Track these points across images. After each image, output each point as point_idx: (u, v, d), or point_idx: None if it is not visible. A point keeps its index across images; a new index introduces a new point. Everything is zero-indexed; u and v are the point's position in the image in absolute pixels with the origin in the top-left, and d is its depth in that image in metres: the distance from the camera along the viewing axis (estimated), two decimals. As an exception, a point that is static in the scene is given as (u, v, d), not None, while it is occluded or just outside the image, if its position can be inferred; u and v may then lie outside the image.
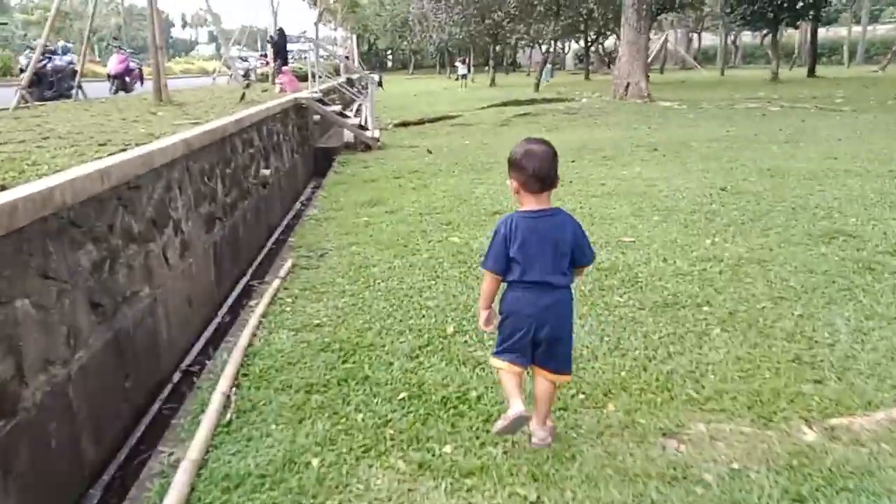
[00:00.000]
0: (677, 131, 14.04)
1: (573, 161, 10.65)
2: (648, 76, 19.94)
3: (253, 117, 8.70)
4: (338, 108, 14.79)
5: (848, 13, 54.86)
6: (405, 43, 75.13)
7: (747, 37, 59.63)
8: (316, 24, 40.57)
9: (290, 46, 20.39)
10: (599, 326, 4.01)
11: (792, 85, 26.94)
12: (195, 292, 5.50)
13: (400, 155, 12.62)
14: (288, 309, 4.55)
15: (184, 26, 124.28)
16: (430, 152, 12.60)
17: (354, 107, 20.66)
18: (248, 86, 13.09)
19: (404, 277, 5.08)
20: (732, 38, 56.32)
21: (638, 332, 3.91)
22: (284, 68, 18.43)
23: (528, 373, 2.84)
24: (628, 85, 19.59)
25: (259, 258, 7.82)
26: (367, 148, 13.83)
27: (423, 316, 4.27)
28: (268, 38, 19.58)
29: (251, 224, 7.86)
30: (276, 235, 9.29)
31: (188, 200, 5.64)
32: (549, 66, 44.38)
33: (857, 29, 56.37)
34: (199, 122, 7.48)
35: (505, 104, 21.10)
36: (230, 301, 6.33)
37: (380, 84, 32.22)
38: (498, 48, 43.74)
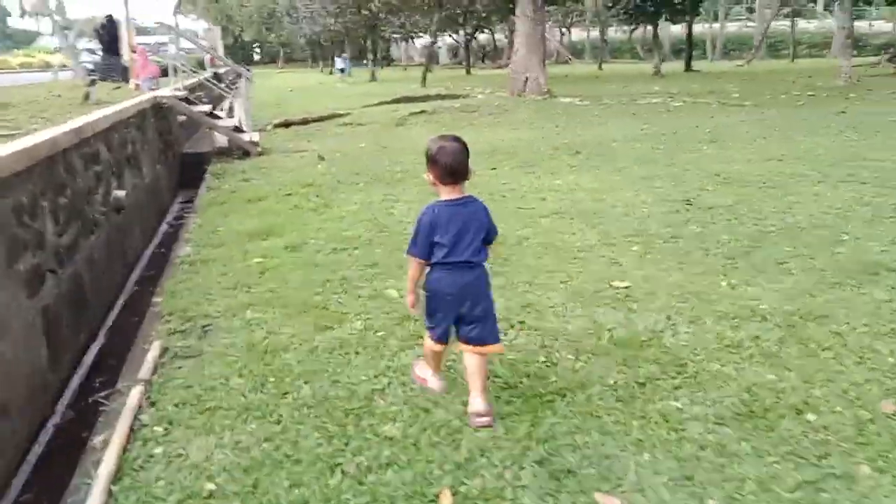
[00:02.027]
0: (590, 130, 13.00)
1: (493, 169, 9.25)
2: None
3: (98, 124, 6.65)
4: (207, 107, 12.62)
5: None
6: (273, 35, 71.59)
7: (613, 32, 61.10)
8: (175, 13, 37.18)
9: (145, 39, 17.56)
10: (681, 472, 2.52)
11: (677, 79, 27.07)
12: (13, 393, 3.58)
13: (286, 163, 10.72)
14: (157, 453, 2.76)
15: (22, 15, 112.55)
16: (323, 158, 10.80)
17: (225, 105, 18.34)
18: (92, 83, 10.72)
19: (337, 371, 3.40)
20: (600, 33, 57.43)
21: (749, 483, 2.45)
22: (139, 47, 15.87)
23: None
24: (527, 80, 18.47)
25: (115, 311, 5.84)
26: (246, 154, 11.81)
27: (387, 465, 2.61)
28: (95, 27, 16.57)
29: (101, 267, 5.85)
30: (137, 273, 7.27)
31: (-11, 260, 3.70)
32: (346, 59, 41.93)
33: (707, 26, 59.23)
34: (14, 134, 5.39)
35: (397, 101, 19.41)
36: (74, 385, 4.41)
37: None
38: (372, 41, 41.86)
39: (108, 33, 16.61)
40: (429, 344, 3.03)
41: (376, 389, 3.18)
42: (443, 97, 19.77)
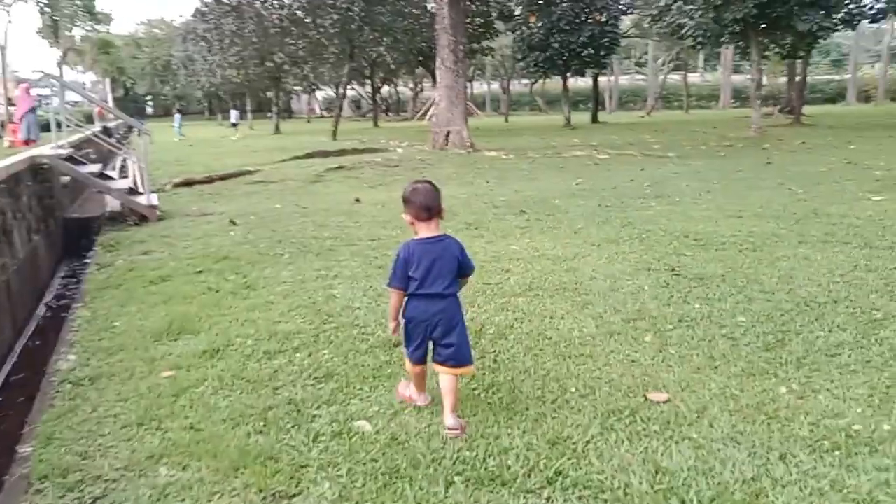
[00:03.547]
0: (524, 186, 12.27)
1: (435, 231, 8.21)
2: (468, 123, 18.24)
3: (-53, 196, 5.18)
4: (95, 167, 11.03)
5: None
6: (168, 87, 68.91)
7: (514, 85, 62.40)
8: (59, 64, 34.68)
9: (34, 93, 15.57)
10: None
11: (588, 130, 27.26)
12: None
13: (192, 230, 9.30)
14: None
15: None
16: (235, 223, 9.47)
17: (117, 163, 16.57)
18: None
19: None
20: (504, 85, 58.45)
21: None
22: (22, 84, 13.99)
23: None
24: (448, 133, 17.71)
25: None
26: (143, 219, 10.29)
27: None
28: None
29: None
30: (1, 379, 5.73)
31: None
32: (178, 116, 40.50)
33: (604, 79, 61.61)
34: None
35: (310, 155, 18.16)
36: None
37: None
38: (276, 93, 40.50)
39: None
40: (409, 367, 3.36)
41: None
42: (359, 151, 18.74)
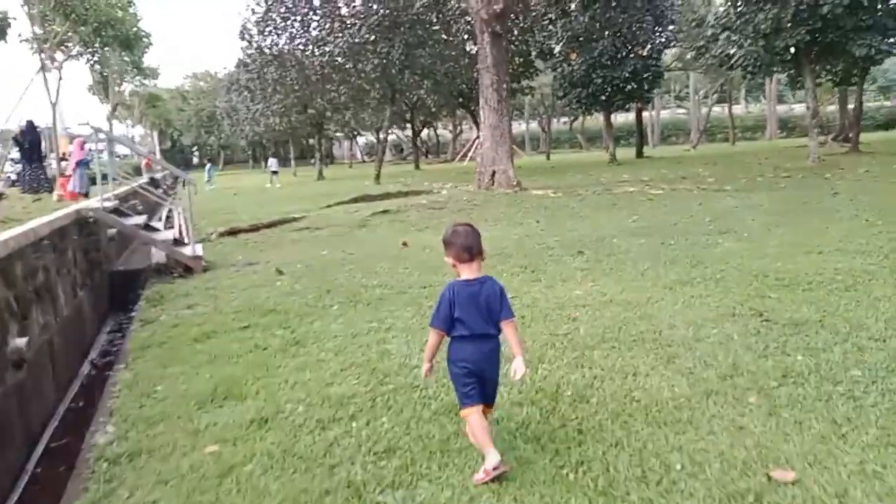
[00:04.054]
0: (576, 224, 11.76)
1: (490, 277, 7.75)
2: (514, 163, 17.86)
3: (-15, 254, 4.95)
4: (141, 219, 10.93)
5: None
6: (212, 137, 70.60)
7: (553, 123, 62.24)
8: (109, 119, 35.67)
9: (88, 147, 15.75)
10: None
11: (635, 166, 26.66)
12: None
13: (238, 281, 9.02)
14: None
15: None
16: (281, 273, 9.16)
17: (163, 213, 16.59)
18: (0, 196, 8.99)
19: None
20: (543, 124, 58.35)
21: None
22: (77, 138, 14.14)
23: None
24: (494, 173, 17.35)
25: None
26: (188, 271, 10.07)
27: None
28: (14, 135, 14.78)
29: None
30: (42, 446, 5.43)
31: None
32: (209, 165, 41.19)
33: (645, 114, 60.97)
34: None
35: (355, 200, 17.99)
36: None
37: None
38: (314, 140, 40.90)
39: (28, 141, 14.85)
40: (468, 412, 3.21)
41: None
42: (404, 194, 18.49)
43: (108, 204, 10.26)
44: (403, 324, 6.02)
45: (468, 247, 3.24)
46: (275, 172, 36.90)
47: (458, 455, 3.38)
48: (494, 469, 3.05)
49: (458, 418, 3.82)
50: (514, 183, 17.15)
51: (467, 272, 3.26)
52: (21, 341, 5.49)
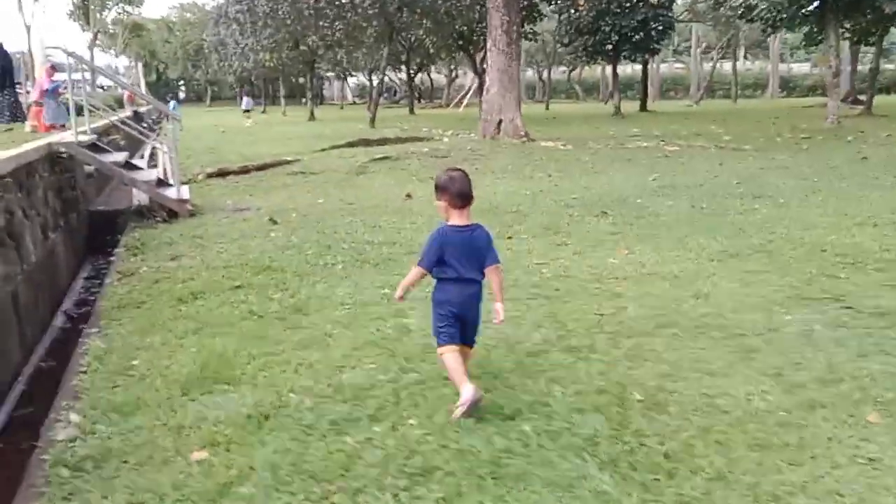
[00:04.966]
0: (592, 181, 10.95)
1: (508, 237, 7.01)
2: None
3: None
4: (121, 155, 9.95)
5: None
6: (200, 72, 68.23)
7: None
8: (90, 47, 33.93)
9: (59, 76, 14.43)
10: None
11: (641, 119, 25.71)
12: None
13: (228, 229, 8.18)
14: None
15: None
16: (276, 222, 8.33)
17: (146, 151, 15.56)
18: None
19: None
20: (541, 72, 56.76)
21: None
22: (46, 64, 12.95)
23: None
24: (500, 122, 16.35)
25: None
26: (172, 215, 9.20)
27: None
28: None
29: None
30: (4, 415, 4.70)
31: None
32: (249, 99, 41.82)
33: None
34: None
35: (352, 144, 16.97)
36: None
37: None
38: (306, 79, 39.29)
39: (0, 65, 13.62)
40: (445, 350, 3.29)
41: None
42: (403, 140, 17.48)
43: (83, 138, 9.28)
44: (421, 292, 5.23)
45: (463, 193, 3.26)
46: (247, 111, 36.00)
47: (513, 483, 2.65)
48: (472, 402, 3.11)
49: (506, 427, 3.08)
50: (522, 133, 16.17)
51: (458, 218, 3.28)
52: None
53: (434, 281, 3.36)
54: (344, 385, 3.59)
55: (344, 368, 3.83)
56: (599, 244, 6.71)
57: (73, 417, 3.42)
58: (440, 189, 3.32)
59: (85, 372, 4.05)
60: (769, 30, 22.68)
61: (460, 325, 3.30)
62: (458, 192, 3.26)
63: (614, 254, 6.28)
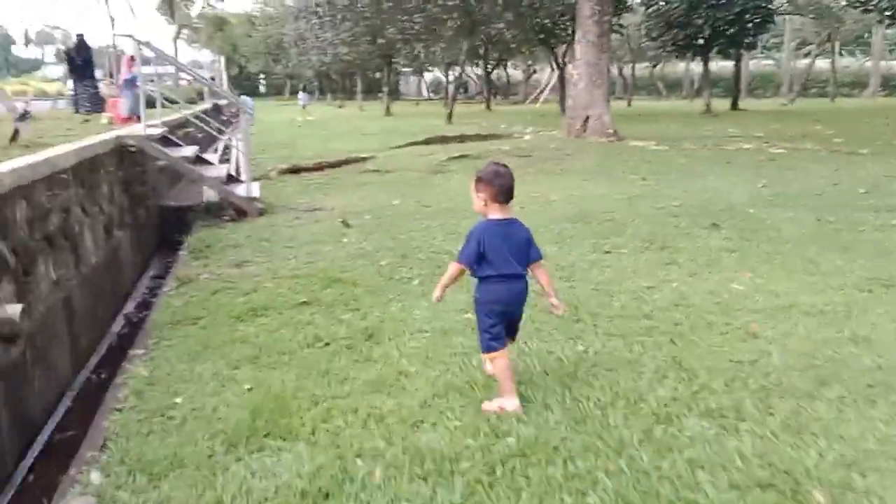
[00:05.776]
0: (692, 185, 9.90)
1: (606, 252, 6.17)
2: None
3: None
4: (191, 150, 9.54)
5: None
6: (280, 66, 69.16)
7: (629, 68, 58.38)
8: (175, 40, 34.54)
9: (144, 69, 14.42)
10: None
11: (735, 118, 24.10)
12: None
13: (298, 231, 7.63)
14: None
15: (26, 43, 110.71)
16: (348, 225, 7.72)
17: (219, 146, 15.31)
18: (24, 115, 7.69)
19: None
20: (622, 67, 54.80)
21: None
22: (126, 56, 12.84)
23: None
24: (587, 119, 15.35)
25: None
26: (241, 214, 8.72)
27: None
28: (62, 51, 13.59)
29: None
30: (48, 432, 4.23)
31: None
32: (307, 95, 41.81)
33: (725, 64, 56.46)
34: None
35: (428, 141, 16.32)
36: None
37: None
38: (383, 74, 38.94)
39: (81, 57, 13.61)
40: (496, 356, 3.22)
41: None
42: (482, 137, 16.69)
43: (154, 131, 8.90)
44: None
45: (510, 189, 3.23)
46: (303, 106, 36.29)
47: None
48: (509, 412, 3.11)
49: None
50: (611, 132, 15.12)
51: (498, 213, 3.22)
52: (13, 309, 4.17)
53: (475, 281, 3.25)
54: (423, 450, 2.86)
55: (422, 425, 3.10)
56: (715, 264, 5.77)
57: (94, 478, 2.80)
58: (483, 182, 3.23)
59: (120, 410, 3.45)
60: (886, 21, 20.73)
61: (507, 324, 3.28)
62: (506, 188, 3.20)
63: (737, 277, 5.34)
